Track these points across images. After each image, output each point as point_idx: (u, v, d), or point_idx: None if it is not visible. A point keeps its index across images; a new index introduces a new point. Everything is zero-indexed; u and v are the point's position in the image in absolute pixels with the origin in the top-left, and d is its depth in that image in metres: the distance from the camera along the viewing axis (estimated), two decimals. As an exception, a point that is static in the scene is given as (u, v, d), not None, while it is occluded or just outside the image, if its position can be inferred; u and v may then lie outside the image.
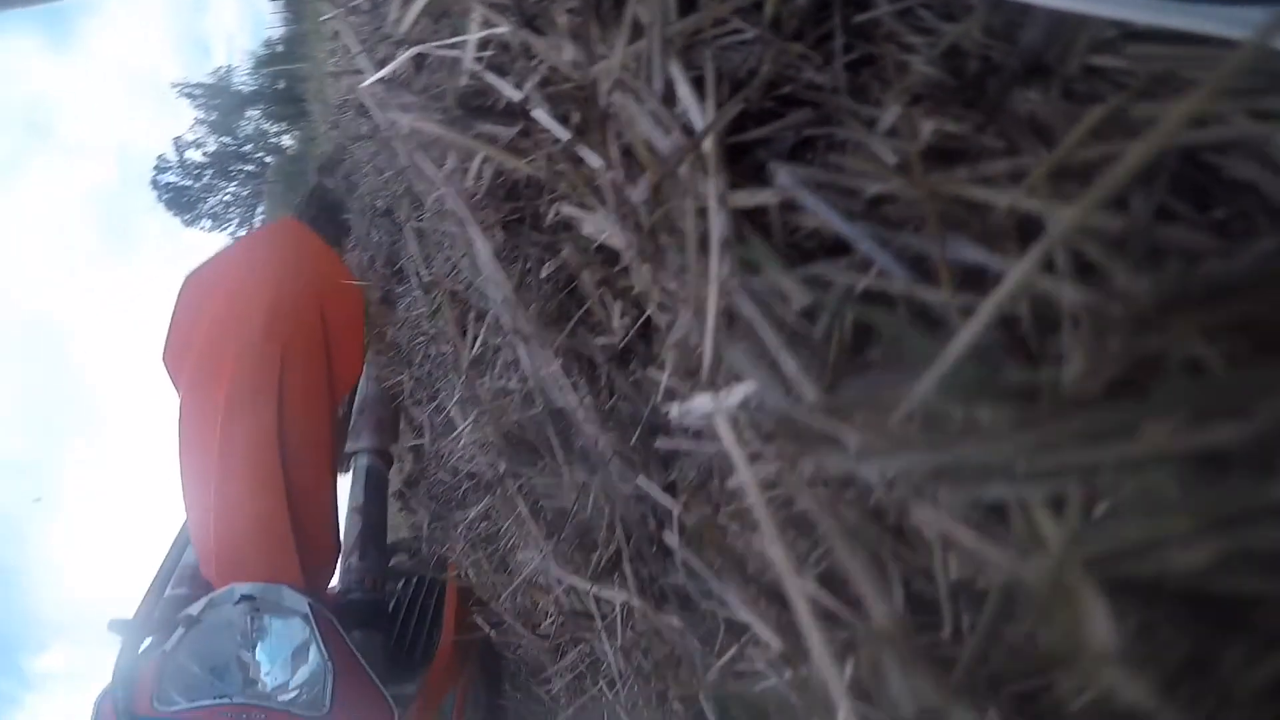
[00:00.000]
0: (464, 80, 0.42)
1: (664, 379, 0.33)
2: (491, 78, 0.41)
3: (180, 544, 1.48)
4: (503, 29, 0.39)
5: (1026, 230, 0.26)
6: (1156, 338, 0.21)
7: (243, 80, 20.45)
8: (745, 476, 0.31)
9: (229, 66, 20.81)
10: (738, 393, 0.30)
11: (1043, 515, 0.22)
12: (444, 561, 1.51)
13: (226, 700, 1.12)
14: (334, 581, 1.38)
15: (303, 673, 1.18)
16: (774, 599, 0.34)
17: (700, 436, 0.33)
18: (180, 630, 1.15)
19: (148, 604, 1.27)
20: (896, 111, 0.31)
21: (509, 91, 0.40)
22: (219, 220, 19.87)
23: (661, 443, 0.36)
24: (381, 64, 0.51)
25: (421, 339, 0.98)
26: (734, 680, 0.35)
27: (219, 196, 19.90)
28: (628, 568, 0.40)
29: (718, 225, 0.30)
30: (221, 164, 19.77)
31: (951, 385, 0.23)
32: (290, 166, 18.31)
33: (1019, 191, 0.27)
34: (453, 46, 0.43)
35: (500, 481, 0.58)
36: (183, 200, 19.65)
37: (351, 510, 1.50)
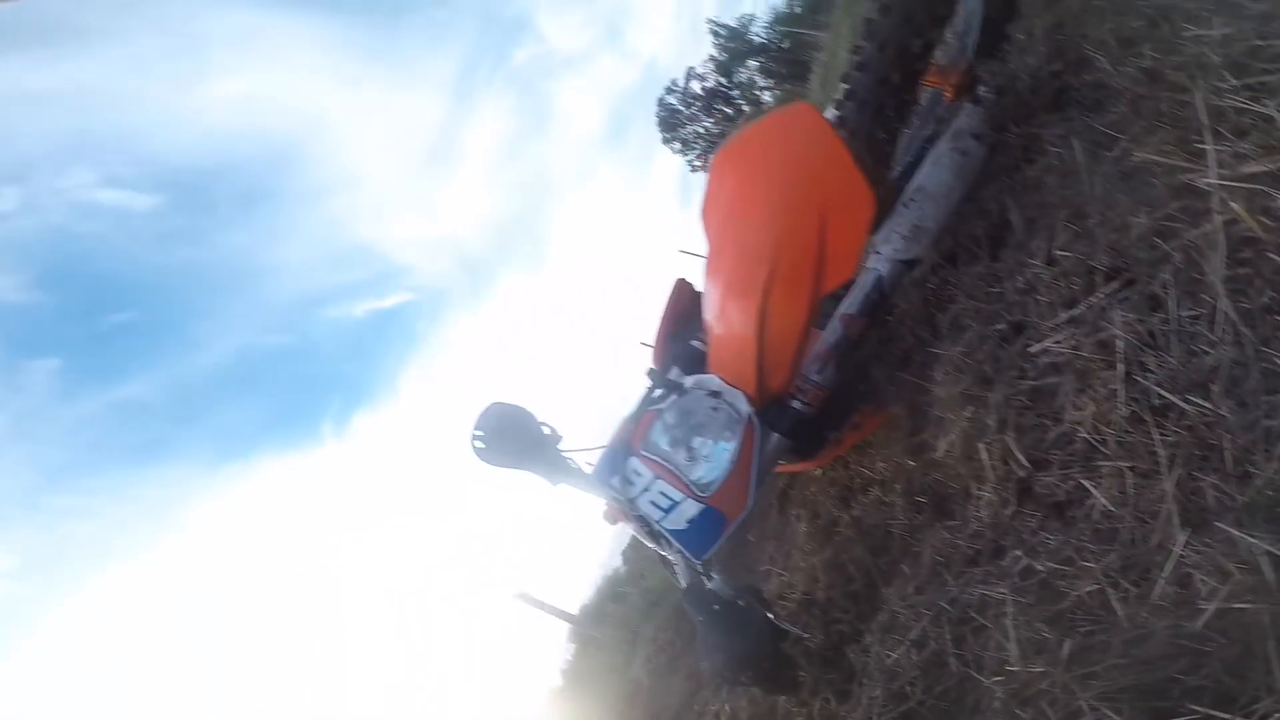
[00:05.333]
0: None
1: None
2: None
3: (674, 309, 2.09)
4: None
5: None
6: None
7: (757, 31, 24.17)
8: None
9: (752, 15, 24.29)
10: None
11: None
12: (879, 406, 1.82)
13: (665, 463, 1.71)
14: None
15: (715, 462, 1.67)
16: None
17: None
18: (673, 396, 1.77)
19: (662, 358, 1.94)
20: None
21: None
22: (685, 148, 24.37)
23: None
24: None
25: (998, 288, 1.54)
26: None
27: (694, 127, 24.21)
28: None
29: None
30: (710, 100, 23.88)
31: None
32: None
33: None
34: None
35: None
36: (670, 121, 24.44)
37: (840, 315, 1.70)
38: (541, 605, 10.13)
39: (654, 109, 24.59)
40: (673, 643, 5.35)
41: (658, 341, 2.13)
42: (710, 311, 1.80)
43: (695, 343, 1.98)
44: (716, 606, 1.69)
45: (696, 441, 1.72)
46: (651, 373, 1.88)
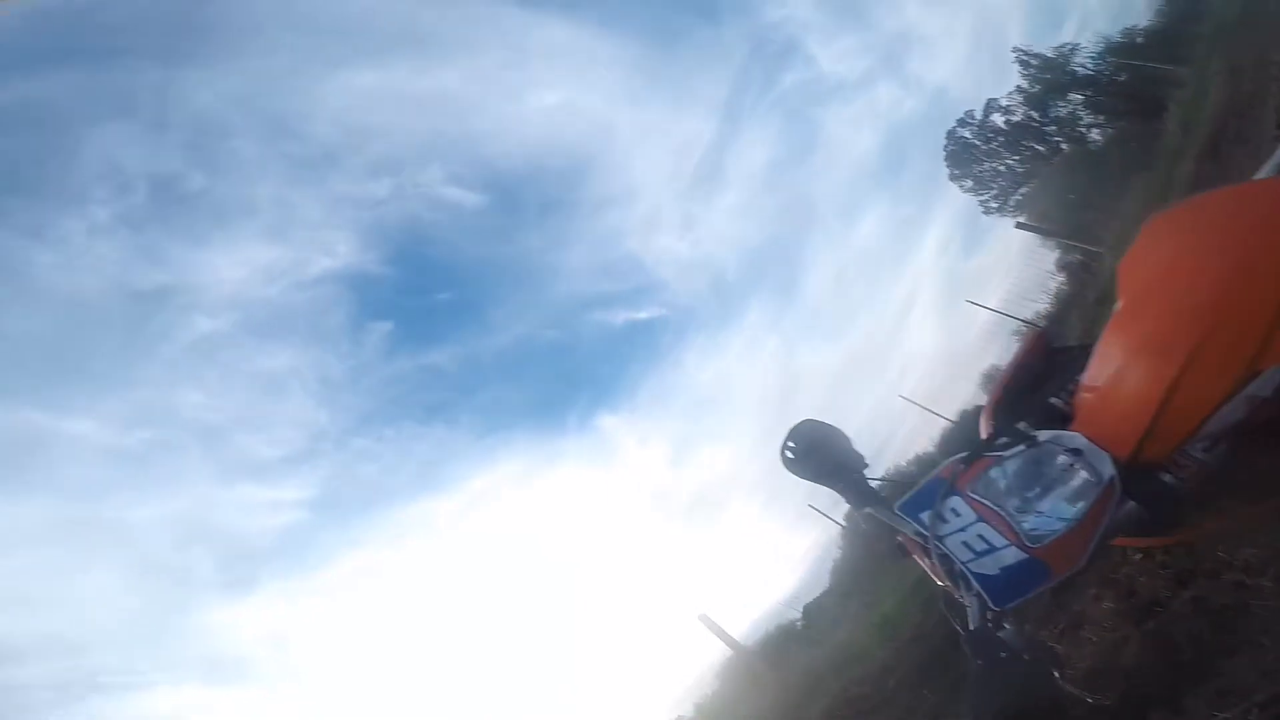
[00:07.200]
0: None
1: None
2: None
3: (1025, 361, 2.09)
4: None
5: None
6: None
7: (1082, 62, 21.14)
8: None
9: (1074, 45, 21.30)
10: None
11: None
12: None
13: (995, 508, 1.70)
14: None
15: (1052, 516, 1.65)
16: None
17: None
18: (1021, 446, 1.77)
19: (1003, 407, 1.98)
20: None
21: None
22: (979, 186, 22.29)
23: None
24: None
25: None
26: None
27: (993, 164, 22.09)
28: None
29: None
30: (1016, 136, 21.64)
31: None
32: (1081, 161, 18.56)
33: None
34: None
35: None
36: (962, 156, 22.49)
37: (1246, 395, 1.58)
38: (719, 632, 10.47)
39: (941, 143, 22.94)
40: (866, 697, 5.42)
41: (998, 390, 2.20)
42: (1101, 368, 1.83)
43: (1055, 400, 2.00)
44: (1003, 654, 1.69)
45: (1036, 493, 1.73)
46: (996, 420, 1.97)
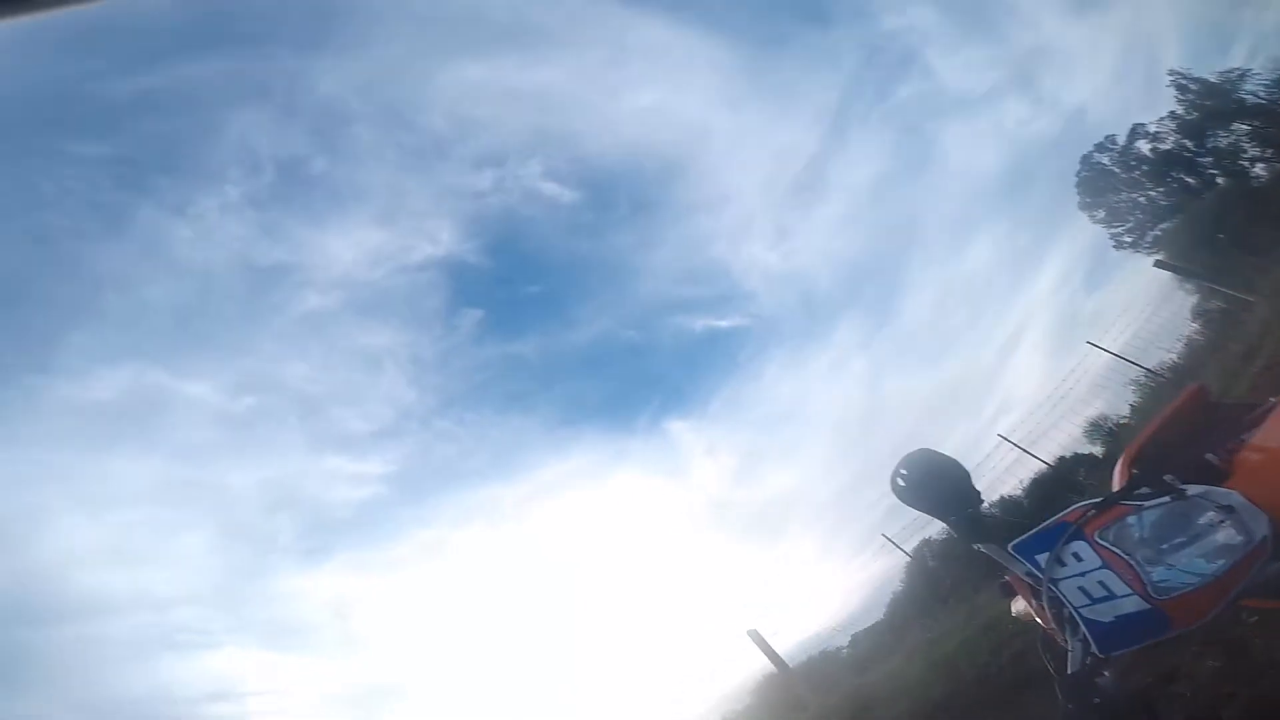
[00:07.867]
0: None
1: None
2: None
3: (1179, 414, 2.01)
4: None
5: None
6: None
7: (1253, 89, 18.90)
8: None
9: (1243, 70, 19.15)
10: None
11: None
12: None
13: (1125, 556, 1.63)
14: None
15: (1186, 570, 1.59)
16: None
17: None
18: (1165, 498, 1.68)
19: (1147, 458, 1.86)
20: None
21: None
22: (1113, 218, 20.43)
23: None
24: None
25: None
26: None
27: (1132, 195, 20.28)
28: None
29: None
30: (1163, 166, 19.80)
31: None
32: (1239, 198, 16.41)
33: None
34: None
35: None
36: (1097, 183, 20.62)
37: None
38: (767, 649, 10.34)
39: (1073, 168, 21.00)
40: (919, 732, 5.40)
41: (1144, 439, 2.13)
42: (1276, 428, 1.77)
43: (1210, 456, 1.91)
44: (1098, 700, 1.66)
45: (1173, 546, 1.69)
46: (1139, 470, 1.92)
